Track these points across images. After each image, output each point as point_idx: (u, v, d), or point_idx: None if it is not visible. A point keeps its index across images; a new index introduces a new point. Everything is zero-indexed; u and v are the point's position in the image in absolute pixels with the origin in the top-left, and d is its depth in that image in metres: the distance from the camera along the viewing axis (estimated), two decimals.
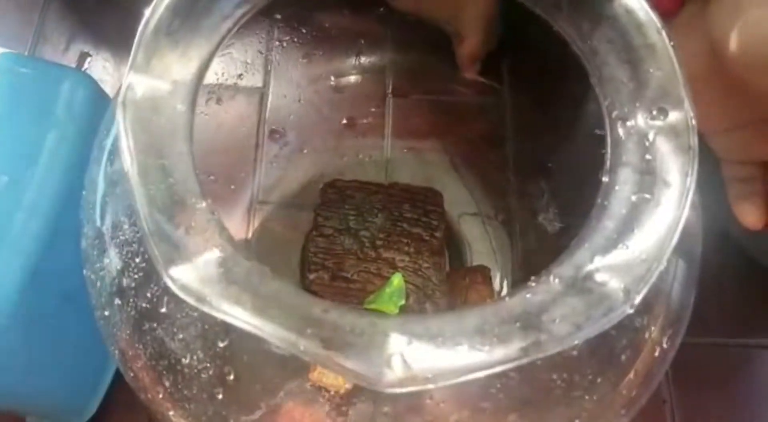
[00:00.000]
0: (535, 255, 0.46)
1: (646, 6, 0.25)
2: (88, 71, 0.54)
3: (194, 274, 0.20)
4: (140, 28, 0.25)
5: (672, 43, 0.25)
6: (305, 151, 0.50)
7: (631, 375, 0.26)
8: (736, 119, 0.33)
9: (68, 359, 0.39)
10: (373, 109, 0.50)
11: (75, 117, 0.39)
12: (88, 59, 0.55)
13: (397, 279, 0.39)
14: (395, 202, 0.44)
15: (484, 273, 0.45)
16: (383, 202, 0.44)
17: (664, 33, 0.25)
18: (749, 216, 0.35)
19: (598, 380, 0.25)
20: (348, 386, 0.29)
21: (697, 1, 0.33)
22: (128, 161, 0.22)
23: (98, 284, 0.27)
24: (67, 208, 0.35)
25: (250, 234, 0.47)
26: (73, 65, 0.54)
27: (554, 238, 0.45)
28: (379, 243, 0.43)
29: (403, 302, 0.38)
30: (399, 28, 0.50)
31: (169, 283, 0.20)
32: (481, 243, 0.46)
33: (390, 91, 0.51)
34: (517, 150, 0.48)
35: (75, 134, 0.38)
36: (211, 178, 0.47)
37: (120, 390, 0.42)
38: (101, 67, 0.54)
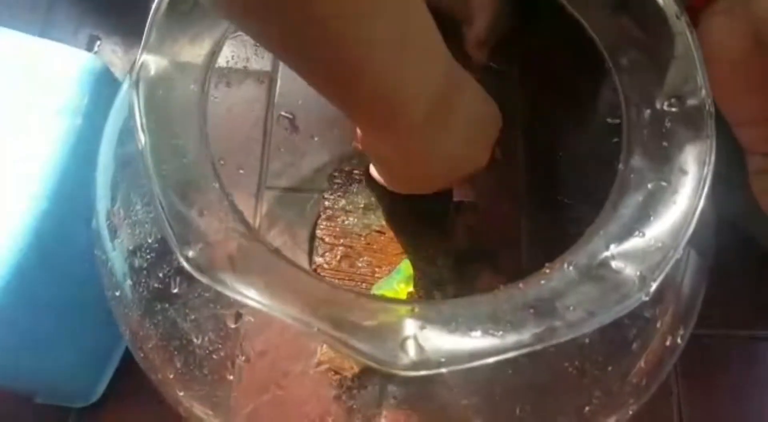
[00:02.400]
0: (544, 244, 0.45)
1: None
2: (97, 55, 0.53)
3: (208, 254, 0.20)
4: (153, 8, 0.25)
5: (691, 29, 0.24)
6: (314, 136, 0.49)
7: (642, 363, 0.25)
8: None
9: (75, 340, 0.39)
10: None
11: (84, 100, 0.39)
12: (98, 42, 0.54)
13: (405, 265, 0.39)
14: None
15: (492, 260, 0.45)
16: None
17: (683, 19, 0.24)
18: None
19: (609, 368, 0.25)
20: (356, 369, 0.29)
21: None
22: (142, 139, 0.22)
23: (109, 264, 0.27)
24: (78, 188, 0.35)
25: (258, 219, 0.47)
26: (83, 48, 0.53)
27: (563, 227, 0.44)
28: (387, 228, 0.43)
29: (411, 288, 0.38)
30: None
31: (184, 263, 0.20)
32: (489, 229, 0.46)
33: None
34: (527, 137, 0.48)
35: (84, 117, 0.38)
36: (221, 162, 0.47)
37: (127, 374, 0.42)
38: (110, 51, 0.54)
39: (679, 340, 0.27)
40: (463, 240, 0.45)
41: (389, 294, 0.38)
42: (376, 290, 0.39)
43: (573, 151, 0.45)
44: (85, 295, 0.35)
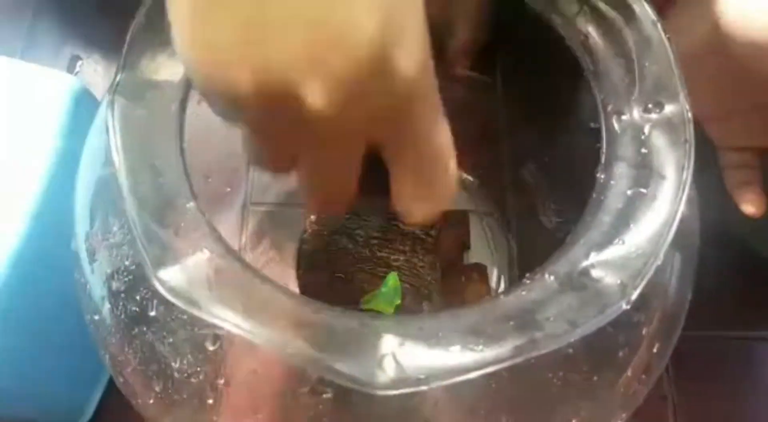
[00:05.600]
0: (532, 252, 0.45)
1: None
2: (78, 74, 0.53)
3: (183, 276, 0.20)
4: (131, 27, 0.25)
5: (667, 36, 0.24)
6: None
7: (629, 372, 0.25)
8: (732, 106, 0.33)
9: (62, 362, 0.39)
10: None
11: (64, 120, 0.38)
12: (79, 62, 0.54)
13: (392, 279, 0.39)
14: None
15: (480, 270, 0.44)
16: (377, 200, 0.44)
17: (659, 26, 0.24)
18: (748, 204, 0.35)
19: (595, 378, 0.25)
20: (342, 387, 0.28)
21: None
22: (117, 160, 0.22)
23: (88, 287, 0.27)
24: (58, 210, 0.35)
25: (245, 236, 0.46)
26: (64, 69, 0.53)
27: (552, 234, 0.44)
28: (374, 242, 0.42)
29: (399, 302, 0.38)
30: None
31: (158, 286, 0.19)
32: (477, 240, 0.46)
33: None
34: (512, 145, 0.48)
35: (64, 138, 0.38)
36: (209, 179, 0.47)
37: (115, 395, 0.42)
38: (92, 71, 0.54)
39: (666, 346, 0.27)
40: (451, 252, 0.45)
41: (378, 308, 0.38)
42: (364, 304, 0.39)
43: (559, 157, 0.45)
44: (70, 316, 0.35)
